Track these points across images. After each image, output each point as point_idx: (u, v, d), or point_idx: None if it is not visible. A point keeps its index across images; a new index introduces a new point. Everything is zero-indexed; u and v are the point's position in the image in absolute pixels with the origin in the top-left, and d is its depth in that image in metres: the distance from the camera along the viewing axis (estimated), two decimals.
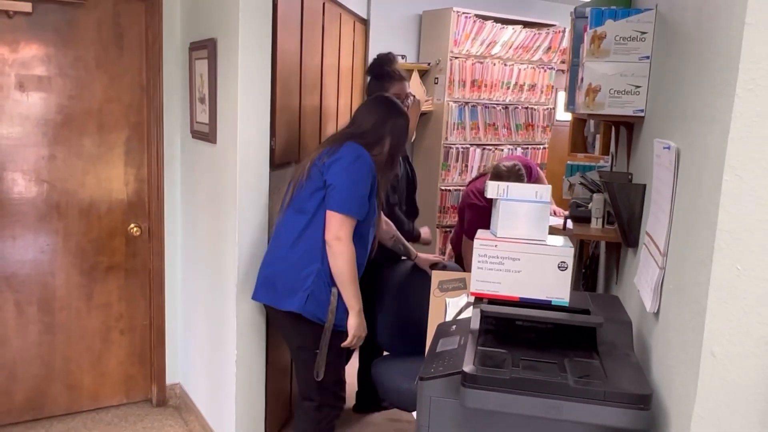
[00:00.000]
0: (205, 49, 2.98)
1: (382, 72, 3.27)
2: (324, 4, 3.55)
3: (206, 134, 3.05)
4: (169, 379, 3.70)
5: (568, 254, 1.57)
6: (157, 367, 3.65)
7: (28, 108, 3.12)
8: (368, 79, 3.45)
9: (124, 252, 3.49)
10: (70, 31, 3.16)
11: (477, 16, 4.65)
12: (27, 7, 3.00)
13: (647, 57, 1.97)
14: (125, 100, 3.35)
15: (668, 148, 1.49)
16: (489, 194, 1.67)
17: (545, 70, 5.18)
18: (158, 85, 3.38)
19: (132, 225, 3.46)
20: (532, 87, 5.13)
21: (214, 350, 3.14)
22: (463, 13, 4.57)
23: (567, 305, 1.57)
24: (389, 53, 3.37)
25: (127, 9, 3.26)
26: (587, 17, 2.38)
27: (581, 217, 2.38)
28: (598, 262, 3.14)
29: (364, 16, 4.55)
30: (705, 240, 1.11)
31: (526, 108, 5.15)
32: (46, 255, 3.28)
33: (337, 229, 2.44)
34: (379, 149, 2.62)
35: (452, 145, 4.74)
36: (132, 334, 3.58)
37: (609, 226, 2.28)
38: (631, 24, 1.98)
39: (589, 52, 2.02)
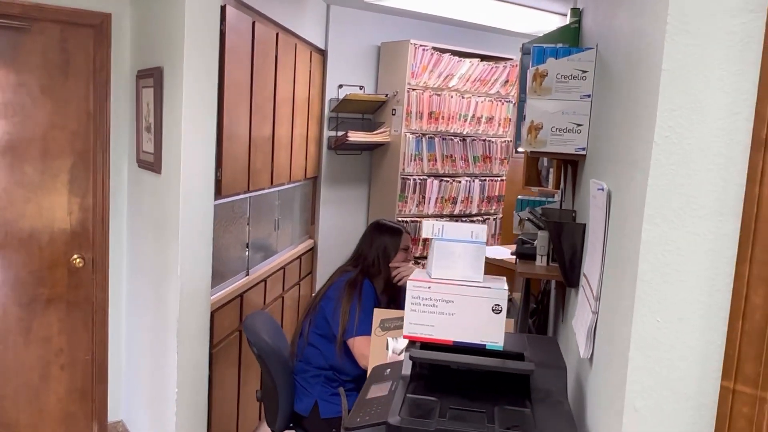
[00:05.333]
0: (151, 77, 2.92)
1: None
2: (277, 34, 3.52)
3: (152, 164, 2.98)
4: (112, 417, 3.55)
5: (502, 297, 1.52)
6: (98, 403, 3.51)
7: None
8: None
9: (66, 284, 3.36)
10: (13, 56, 3.07)
11: (434, 48, 4.68)
12: None
13: (588, 96, 1.97)
14: (71, 127, 3.25)
15: (602, 189, 1.47)
16: (424, 234, 1.63)
17: (503, 103, 5.22)
18: (105, 112, 3.29)
19: (75, 256, 3.34)
20: (490, 119, 5.16)
21: (156, 387, 3.03)
22: (421, 45, 4.59)
23: (501, 349, 1.52)
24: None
25: (74, 35, 3.19)
26: None
27: (527, 254, 2.35)
28: (550, 297, 3.12)
29: (322, 47, 4.54)
30: (628, 289, 1.08)
31: (484, 140, 5.16)
32: None
33: None
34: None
35: (409, 177, 4.72)
36: (73, 369, 3.43)
37: (554, 263, 2.25)
38: (572, 63, 1.98)
39: (531, 89, 2.01)
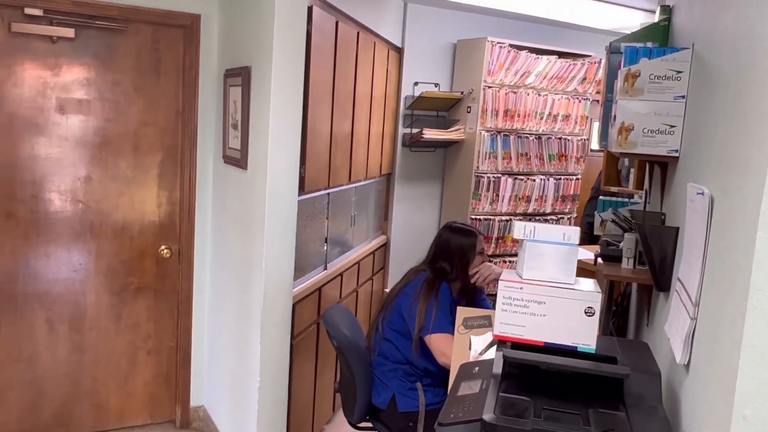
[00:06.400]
0: (239, 76, 3.02)
1: None
2: (358, 33, 3.58)
3: (238, 160, 3.09)
4: (194, 402, 3.70)
5: (596, 299, 1.52)
6: (181, 389, 3.67)
7: (66, 130, 3.19)
8: None
9: (154, 273, 3.52)
10: (109, 56, 3.23)
11: (511, 46, 4.64)
12: (70, 32, 3.09)
13: (683, 96, 1.93)
14: (161, 124, 3.41)
15: (702, 193, 1.45)
16: (515, 235, 1.64)
17: (580, 101, 5.13)
18: (193, 110, 3.43)
19: (163, 247, 3.50)
20: (566, 117, 5.08)
21: (238, 376, 3.14)
22: (498, 43, 4.56)
23: (593, 352, 1.52)
24: None
25: (165, 35, 3.33)
26: (622, 53, 2.36)
27: (612, 256, 2.32)
28: (630, 300, 3.06)
29: (399, 45, 4.57)
30: (739, 296, 1.06)
31: (560, 138, 5.09)
32: (79, 274, 3.34)
33: None
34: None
35: (483, 174, 4.71)
36: (158, 355, 3.60)
37: (641, 266, 2.21)
38: (666, 63, 1.95)
39: (622, 90, 1.98)
